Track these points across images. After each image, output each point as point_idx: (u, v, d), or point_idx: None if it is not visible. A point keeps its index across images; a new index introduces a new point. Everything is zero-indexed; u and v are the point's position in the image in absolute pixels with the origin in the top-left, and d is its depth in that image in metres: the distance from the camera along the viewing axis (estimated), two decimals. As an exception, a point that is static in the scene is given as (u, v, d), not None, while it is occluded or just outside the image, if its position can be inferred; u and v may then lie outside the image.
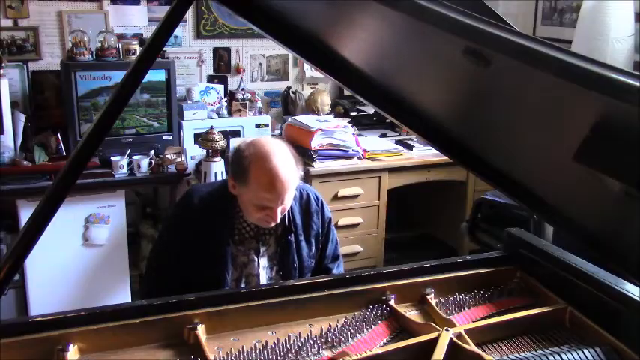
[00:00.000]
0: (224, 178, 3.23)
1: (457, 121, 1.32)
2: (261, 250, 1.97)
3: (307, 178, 3.45)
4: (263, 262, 1.98)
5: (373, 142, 3.90)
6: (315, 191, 2.15)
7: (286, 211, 1.91)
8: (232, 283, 1.94)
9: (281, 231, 1.98)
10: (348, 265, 3.66)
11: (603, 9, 3.35)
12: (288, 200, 1.85)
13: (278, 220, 1.86)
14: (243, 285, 1.96)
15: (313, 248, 2.04)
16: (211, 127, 3.36)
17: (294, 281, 1.83)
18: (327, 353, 1.33)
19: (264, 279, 1.98)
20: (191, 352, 1.29)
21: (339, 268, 2.14)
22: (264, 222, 1.87)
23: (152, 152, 3.39)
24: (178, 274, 1.89)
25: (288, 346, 1.33)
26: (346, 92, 4.18)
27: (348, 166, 3.58)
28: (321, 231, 2.06)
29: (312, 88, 4.27)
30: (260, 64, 4.16)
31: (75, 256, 3.26)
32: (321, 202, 2.10)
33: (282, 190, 1.79)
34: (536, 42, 0.74)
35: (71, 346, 1.27)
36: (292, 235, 1.98)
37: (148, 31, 3.74)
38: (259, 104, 3.93)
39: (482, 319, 1.45)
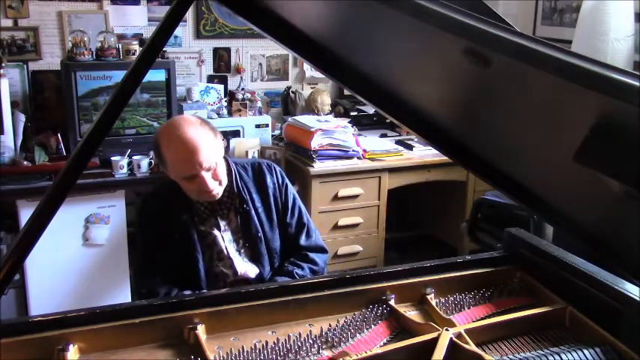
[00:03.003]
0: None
1: (457, 121, 1.32)
2: (222, 225, 2.03)
3: (307, 178, 3.45)
4: (227, 236, 2.04)
5: (373, 142, 3.90)
6: (270, 162, 2.19)
7: (222, 179, 1.93)
8: (206, 264, 2.00)
9: (238, 203, 2.03)
10: (348, 265, 3.67)
11: (603, 9, 3.35)
12: (211, 162, 1.87)
13: (212, 187, 1.90)
14: (216, 262, 2.02)
15: (274, 215, 2.07)
16: (211, 127, 3.37)
17: (294, 281, 1.83)
18: (327, 353, 1.33)
19: (233, 252, 2.03)
20: (191, 352, 1.29)
21: (309, 239, 2.12)
22: (205, 194, 1.92)
23: (152, 152, 3.38)
24: (164, 271, 1.97)
25: (288, 346, 1.33)
26: (346, 92, 4.18)
27: (348, 166, 3.58)
28: (278, 195, 2.08)
29: (312, 88, 4.27)
30: (260, 64, 4.16)
31: (75, 256, 3.26)
32: (274, 168, 2.14)
33: (195, 151, 1.84)
34: (536, 42, 0.74)
35: (71, 346, 1.27)
36: (249, 204, 2.02)
37: (148, 31, 3.74)
38: (259, 104, 3.93)
39: (482, 319, 1.45)
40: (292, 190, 2.14)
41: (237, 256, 2.04)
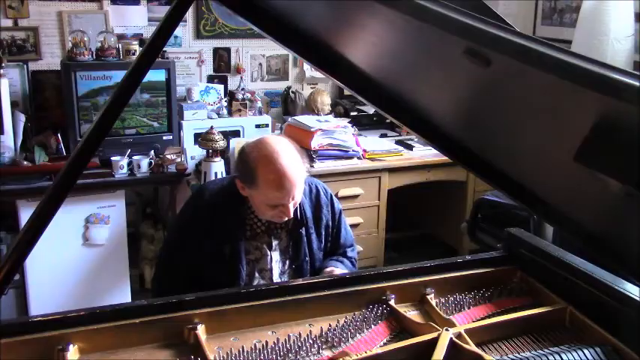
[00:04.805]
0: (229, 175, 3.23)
1: (457, 121, 1.32)
2: (274, 244, 2.00)
3: (307, 178, 3.45)
4: (276, 256, 2.01)
5: (373, 142, 3.90)
6: (324, 185, 2.17)
7: (297, 205, 1.94)
8: (246, 279, 1.96)
9: (292, 225, 2.01)
10: (348, 265, 3.66)
11: (603, 9, 3.35)
12: (299, 194, 1.88)
13: (291, 215, 1.90)
14: (257, 280, 1.98)
15: (323, 240, 2.07)
16: (211, 127, 3.36)
17: (294, 281, 1.83)
18: (327, 353, 1.33)
19: (276, 273, 2.00)
20: (191, 352, 1.29)
21: (353, 252, 2.18)
22: (278, 218, 1.91)
23: (152, 152, 3.39)
24: (190, 273, 1.92)
25: (288, 346, 1.33)
26: (346, 92, 4.18)
27: (348, 166, 3.58)
28: (331, 223, 2.09)
29: (312, 88, 4.27)
30: (260, 64, 4.16)
31: (75, 256, 3.26)
32: (330, 194, 2.14)
33: (292, 186, 1.83)
34: (536, 42, 0.74)
35: (71, 346, 1.27)
36: (304, 228, 2.01)
37: (148, 31, 3.74)
38: (259, 104, 3.93)
39: (482, 319, 1.45)
40: (342, 216, 2.15)
41: (278, 278, 2.00)
